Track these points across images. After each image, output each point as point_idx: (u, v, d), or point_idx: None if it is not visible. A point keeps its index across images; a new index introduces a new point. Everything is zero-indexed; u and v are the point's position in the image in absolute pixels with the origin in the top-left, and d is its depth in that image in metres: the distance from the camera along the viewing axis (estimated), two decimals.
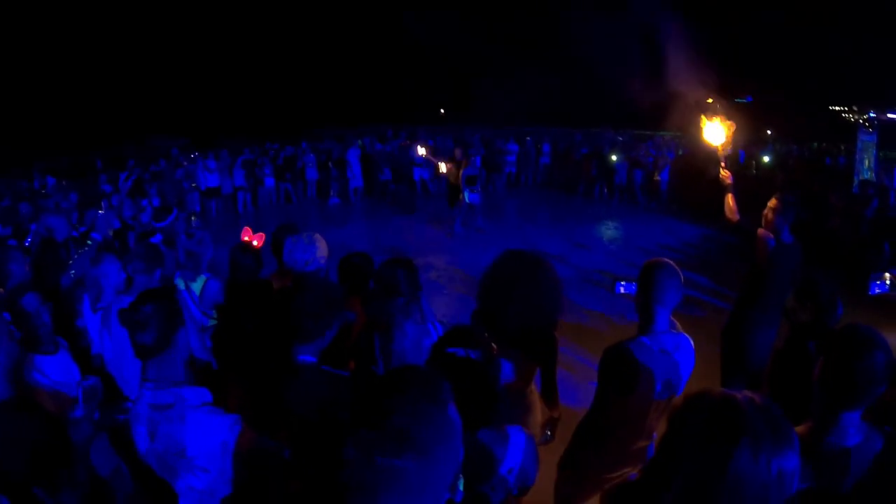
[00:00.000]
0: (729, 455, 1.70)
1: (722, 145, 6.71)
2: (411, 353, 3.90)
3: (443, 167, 17.58)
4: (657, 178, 21.83)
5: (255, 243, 5.32)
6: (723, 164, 6.63)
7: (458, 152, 17.94)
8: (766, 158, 22.18)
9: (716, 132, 6.71)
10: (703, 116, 6.78)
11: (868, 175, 16.73)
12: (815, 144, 29.69)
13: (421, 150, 19.40)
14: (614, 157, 23.02)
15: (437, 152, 21.55)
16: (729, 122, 6.69)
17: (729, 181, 6.58)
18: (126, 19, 38.67)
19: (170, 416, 2.68)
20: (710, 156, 7.04)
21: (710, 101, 6.74)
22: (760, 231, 6.11)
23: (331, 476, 1.42)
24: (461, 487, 1.56)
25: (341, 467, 1.39)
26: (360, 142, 23.76)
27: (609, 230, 18.22)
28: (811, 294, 4.68)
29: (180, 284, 5.27)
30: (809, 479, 2.46)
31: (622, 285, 4.10)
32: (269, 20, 43.18)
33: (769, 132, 33.59)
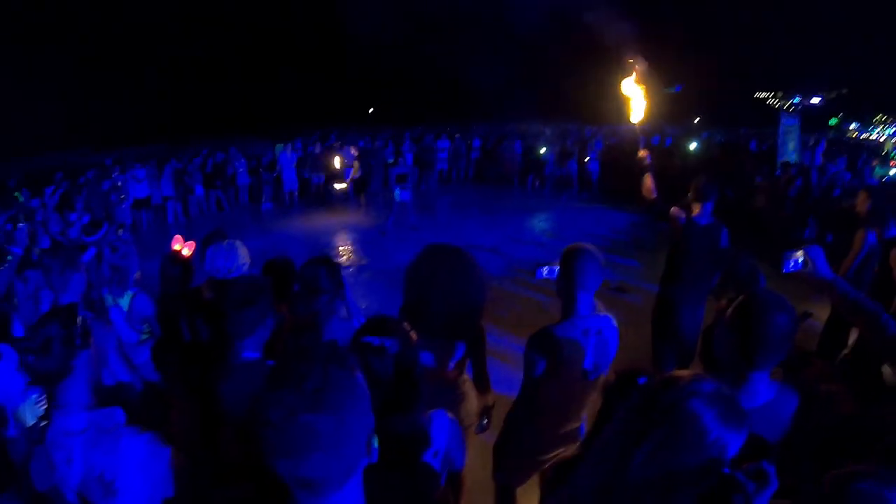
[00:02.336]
0: (689, 405, 1.82)
1: (639, 122, 6.85)
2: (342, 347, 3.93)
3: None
4: (587, 168, 22.13)
5: (185, 252, 5.27)
6: (640, 144, 6.81)
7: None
8: (692, 145, 22.59)
9: (635, 109, 6.85)
10: (621, 78, 6.90)
11: (794, 157, 17.21)
12: (742, 130, 30.35)
13: (353, 152, 19.45)
14: (543, 150, 23.25)
15: (367, 153, 21.61)
16: (644, 85, 6.81)
17: (647, 161, 6.76)
18: (40, 24, 37.78)
19: (83, 442, 2.60)
20: (633, 142, 7.20)
21: (630, 61, 6.85)
22: (673, 210, 6.35)
23: (257, 442, 1.54)
24: (375, 445, 1.67)
25: (266, 428, 1.51)
26: (291, 144, 23.54)
27: (541, 222, 18.40)
28: (732, 271, 4.84)
29: (108, 300, 5.20)
30: None
31: (543, 270, 4.17)
32: (188, 26, 42.57)
33: (696, 120, 34.24)
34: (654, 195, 6.64)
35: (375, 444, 1.67)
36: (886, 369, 5.02)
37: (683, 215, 6.25)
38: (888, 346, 3.06)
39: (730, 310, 2.82)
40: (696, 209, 6.27)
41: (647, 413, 1.88)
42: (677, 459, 1.81)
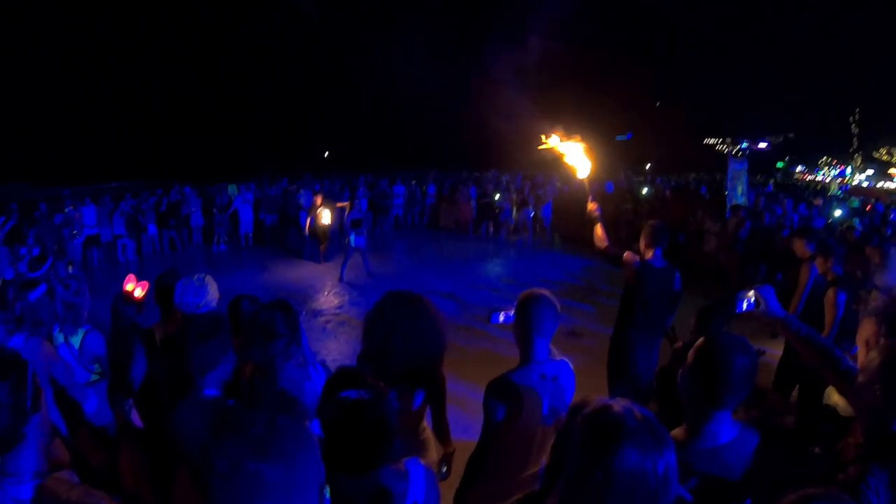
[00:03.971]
0: (612, 455, 1.86)
1: (587, 178, 6.97)
2: (292, 395, 3.90)
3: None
4: (540, 214, 22.33)
5: (137, 293, 5.20)
6: (589, 197, 6.91)
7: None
8: (644, 190, 22.94)
9: (581, 165, 6.97)
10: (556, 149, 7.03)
11: (742, 200, 17.54)
12: (692, 175, 30.91)
13: (317, 199, 19.41)
14: (498, 196, 23.42)
15: (326, 196, 21.60)
16: (580, 142, 6.95)
17: (596, 213, 6.87)
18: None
19: None
20: (582, 191, 7.33)
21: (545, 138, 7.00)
22: (626, 254, 6.46)
23: (205, 491, 1.50)
24: (328, 496, 1.65)
25: (213, 478, 1.48)
26: (246, 186, 23.47)
27: (496, 267, 18.48)
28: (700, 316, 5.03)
29: (59, 338, 5.12)
30: (693, 477, 2.66)
31: (499, 316, 4.18)
32: (151, 70, 42.50)
33: (647, 166, 34.77)
34: (605, 244, 6.75)
35: (328, 494, 1.65)
36: (833, 395, 5.15)
37: (637, 259, 6.37)
38: (841, 380, 3.14)
39: (692, 352, 2.88)
40: (649, 253, 6.42)
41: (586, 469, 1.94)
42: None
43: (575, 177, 7.09)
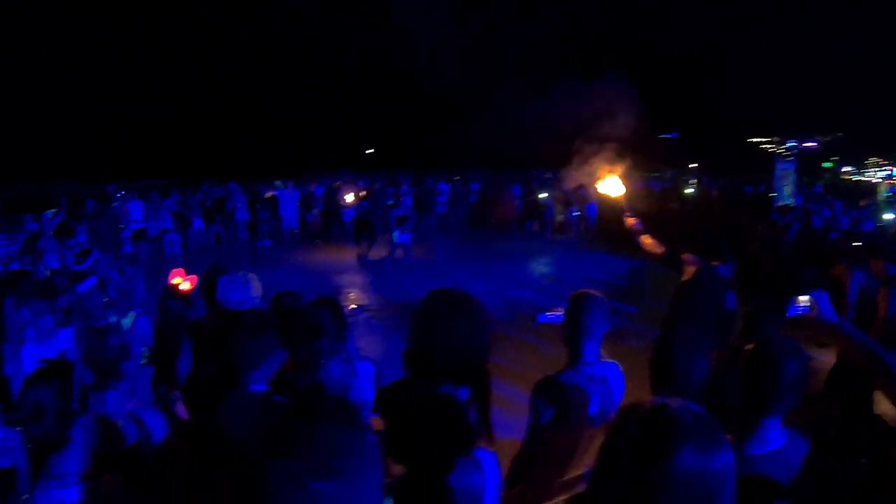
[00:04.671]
0: (669, 455, 1.81)
1: (622, 195, 6.92)
2: (337, 392, 3.90)
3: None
4: (585, 214, 22.13)
5: (184, 286, 5.24)
6: (627, 213, 6.82)
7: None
8: (688, 190, 22.71)
9: (613, 185, 6.92)
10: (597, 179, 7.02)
11: (790, 201, 17.25)
12: (739, 175, 30.53)
13: (349, 197, 19.57)
14: (543, 195, 23.27)
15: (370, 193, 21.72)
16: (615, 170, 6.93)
17: (638, 227, 6.82)
18: (52, 57, 38.17)
19: None
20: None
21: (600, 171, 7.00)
22: (686, 256, 6.34)
23: None
24: None
25: (272, 497, 1.42)
26: (293, 183, 23.66)
27: (540, 266, 18.39)
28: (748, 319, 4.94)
29: (112, 319, 5.19)
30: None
31: (545, 316, 4.14)
32: (200, 67, 42.93)
33: (693, 165, 34.40)
34: (660, 248, 6.65)
35: None
36: (882, 404, 5.02)
37: (698, 261, 6.26)
38: (892, 388, 3.06)
39: (743, 356, 2.83)
40: (712, 260, 6.33)
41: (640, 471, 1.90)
42: None
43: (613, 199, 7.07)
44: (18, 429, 2.43)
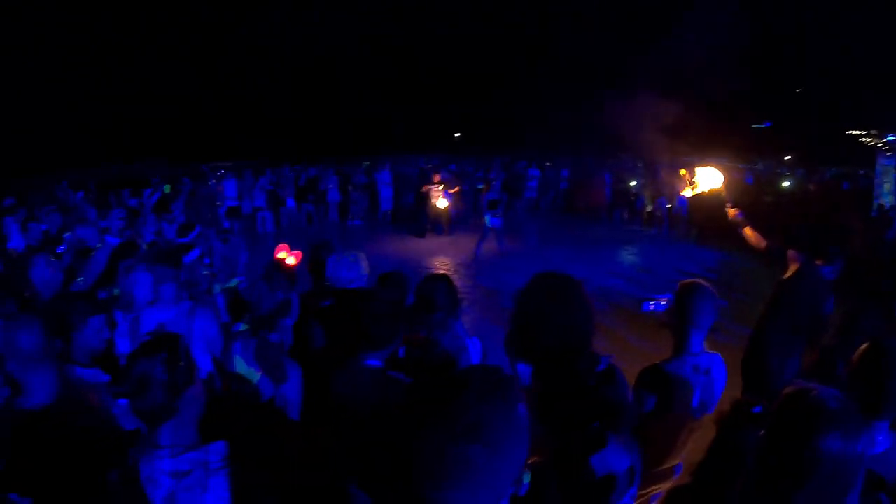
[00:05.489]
0: (817, 439, 1.89)
1: (722, 187, 6.79)
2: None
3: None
4: (676, 204, 21.72)
5: (290, 261, 5.38)
6: (728, 203, 6.69)
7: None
8: (785, 183, 22.13)
9: (711, 175, 6.80)
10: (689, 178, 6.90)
11: (889, 199, 16.71)
12: (833, 169, 29.58)
13: (435, 177, 19.71)
14: (634, 183, 23.01)
15: (456, 175, 21.75)
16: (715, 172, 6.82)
17: (738, 218, 6.66)
18: (154, 37, 39.07)
19: (189, 485, 2.44)
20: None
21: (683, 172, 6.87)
22: (791, 252, 6.18)
23: (401, 468, 1.52)
24: (526, 481, 1.61)
25: (419, 455, 1.49)
26: (390, 165, 23.95)
27: (630, 255, 18.20)
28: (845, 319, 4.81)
29: (216, 289, 5.37)
30: None
31: (650, 304, 4.13)
32: (295, 47, 43.42)
33: (788, 157, 33.48)
34: (764, 242, 6.51)
35: (526, 479, 1.62)
36: None
37: (803, 257, 6.09)
38: None
39: (856, 357, 2.79)
40: (817, 259, 6.11)
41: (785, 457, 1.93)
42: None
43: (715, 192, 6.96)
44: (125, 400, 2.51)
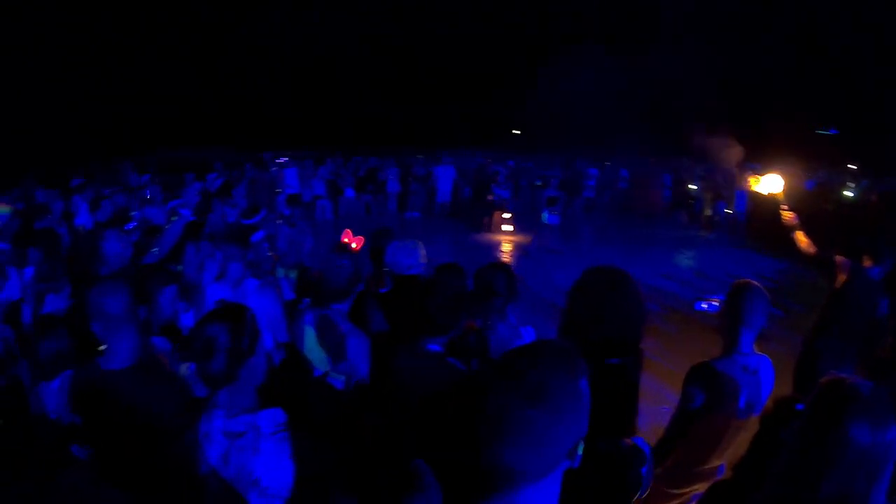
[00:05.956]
0: (846, 425, 1.97)
1: (779, 192, 6.78)
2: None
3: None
4: (734, 209, 21.49)
5: (353, 245, 5.55)
6: (784, 206, 6.69)
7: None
8: (848, 193, 21.69)
9: (772, 181, 6.79)
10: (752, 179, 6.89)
11: None
12: None
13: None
14: (693, 186, 22.79)
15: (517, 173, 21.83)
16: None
17: (794, 222, 6.65)
18: (220, 33, 39.75)
19: (242, 446, 2.58)
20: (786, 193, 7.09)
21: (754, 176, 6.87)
22: (838, 258, 6.18)
23: (467, 430, 1.66)
24: (580, 452, 1.70)
25: (480, 413, 1.62)
26: (450, 158, 24.13)
27: (685, 259, 18.01)
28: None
29: (280, 272, 5.55)
30: None
31: (703, 304, 4.19)
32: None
33: (853, 166, 32.78)
34: (814, 248, 6.52)
35: (580, 451, 1.70)
36: None
37: (850, 264, 6.09)
38: None
39: None
40: (868, 262, 6.10)
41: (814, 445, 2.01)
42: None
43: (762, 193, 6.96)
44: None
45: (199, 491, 2.65)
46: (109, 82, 36.14)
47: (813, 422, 2.07)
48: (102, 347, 3.32)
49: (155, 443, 2.89)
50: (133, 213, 9.66)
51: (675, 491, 3.92)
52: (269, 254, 6.21)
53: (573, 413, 1.66)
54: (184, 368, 3.69)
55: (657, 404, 3.86)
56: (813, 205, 18.93)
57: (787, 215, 6.66)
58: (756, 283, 3.89)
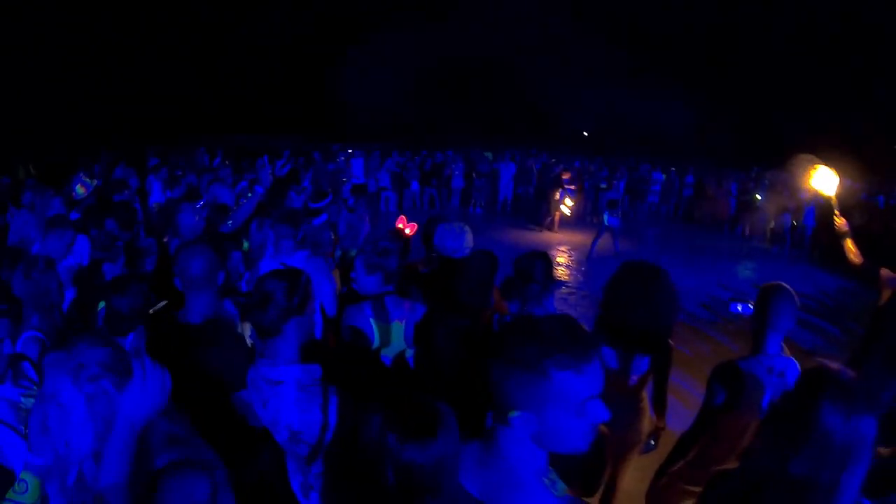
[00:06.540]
0: (817, 404, 2.07)
1: (834, 195, 6.72)
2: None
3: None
4: (801, 222, 21.05)
5: (407, 231, 5.81)
6: (836, 212, 6.63)
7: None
8: None
9: (826, 181, 6.71)
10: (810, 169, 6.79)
11: None
12: None
13: (564, 174, 19.96)
14: (759, 196, 22.44)
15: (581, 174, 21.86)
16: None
17: (845, 228, 6.54)
18: (276, 24, 40.55)
19: (279, 393, 2.80)
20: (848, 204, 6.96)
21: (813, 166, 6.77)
22: (883, 271, 6.01)
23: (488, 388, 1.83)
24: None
25: (500, 376, 1.79)
26: (514, 156, 24.32)
27: (745, 271, 17.73)
28: None
29: (338, 253, 5.84)
30: None
31: (738, 306, 4.27)
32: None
33: None
34: (861, 259, 6.39)
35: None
36: None
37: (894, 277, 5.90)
38: None
39: None
40: None
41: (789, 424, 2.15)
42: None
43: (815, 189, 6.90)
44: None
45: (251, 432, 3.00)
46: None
47: (791, 399, 2.19)
48: (160, 305, 3.65)
49: (221, 389, 3.25)
50: (202, 193, 10.14)
51: (694, 489, 3.90)
52: (330, 236, 6.54)
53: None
54: (246, 329, 3.99)
55: (690, 405, 3.94)
56: (884, 223, 18.46)
57: (840, 221, 6.59)
58: (784, 284, 3.91)
